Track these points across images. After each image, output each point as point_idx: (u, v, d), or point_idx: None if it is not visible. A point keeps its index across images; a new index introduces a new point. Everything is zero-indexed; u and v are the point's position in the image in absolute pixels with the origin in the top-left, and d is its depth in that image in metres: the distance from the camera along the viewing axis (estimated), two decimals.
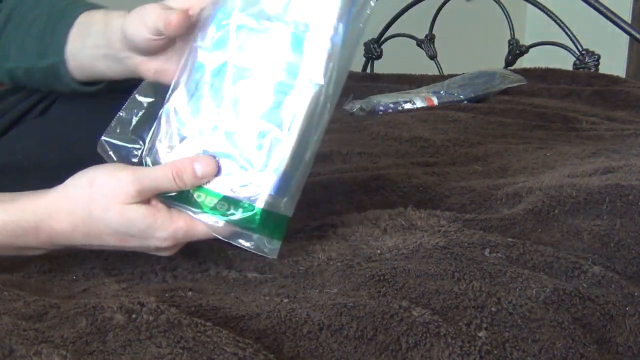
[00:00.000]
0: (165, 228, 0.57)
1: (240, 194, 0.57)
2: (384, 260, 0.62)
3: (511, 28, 1.92)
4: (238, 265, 0.65)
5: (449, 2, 1.97)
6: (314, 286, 0.58)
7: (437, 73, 1.93)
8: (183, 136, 0.59)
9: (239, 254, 0.67)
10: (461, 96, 1.47)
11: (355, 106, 1.40)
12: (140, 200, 0.57)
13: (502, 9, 1.91)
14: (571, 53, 1.76)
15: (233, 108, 0.58)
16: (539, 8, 1.77)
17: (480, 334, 0.49)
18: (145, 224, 0.56)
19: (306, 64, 0.57)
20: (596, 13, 1.62)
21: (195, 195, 0.58)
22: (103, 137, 0.64)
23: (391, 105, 1.40)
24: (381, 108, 1.39)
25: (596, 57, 1.73)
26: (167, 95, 0.62)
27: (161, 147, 0.60)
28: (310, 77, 0.57)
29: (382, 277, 0.58)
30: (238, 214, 0.57)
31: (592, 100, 1.51)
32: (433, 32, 1.99)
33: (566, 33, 1.73)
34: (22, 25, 0.78)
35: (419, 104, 1.43)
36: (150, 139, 0.62)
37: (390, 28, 2.03)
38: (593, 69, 1.72)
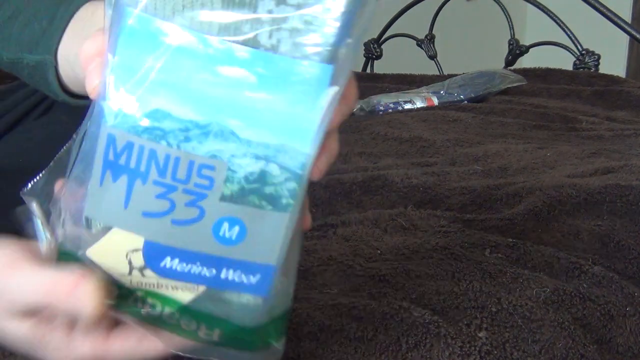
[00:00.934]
0: (60, 356, 0.39)
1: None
2: (384, 260, 0.62)
3: (511, 28, 1.92)
4: None
5: (449, 2, 1.97)
6: (315, 286, 0.58)
7: (437, 73, 1.93)
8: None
9: None
10: (461, 96, 1.47)
11: (355, 106, 1.40)
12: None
13: (502, 9, 1.91)
14: (571, 53, 1.77)
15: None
16: (539, 8, 1.77)
17: (481, 334, 0.49)
18: (28, 344, 0.40)
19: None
20: (596, 13, 1.62)
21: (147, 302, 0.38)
22: (23, 194, 0.45)
23: (391, 105, 1.40)
24: (381, 108, 1.39)
25: (596, 57, 1.73)
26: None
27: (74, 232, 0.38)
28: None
29: (382, 278, 0.58)
30: (215, 334, 0.39)
31: (592, 100, 1.51)
32: (433, 32, 1.99)
33: (566, 33, 1.73)
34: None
35: (419, 104, 1.43)
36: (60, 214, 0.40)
37: (390, 28, 2.03)
38: (593, 69, 1.73)
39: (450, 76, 1.65)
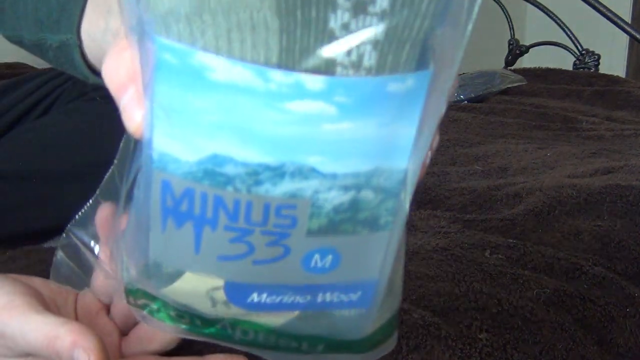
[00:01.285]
0: None
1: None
2: None
3: (511, 28, 1.92)
4: None
5: None
6: None
7: None
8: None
9: None
10: (461, 96, 1.47)
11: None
12: None
13: (502, 9, 1.90)
14: (571, 53, 1.76)
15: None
16: (539, 8, 1.77)
17: (481, 336, 0.49)
18: None
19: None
20: (596, 13, 1.62)
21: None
22: (72, 227, 0.42)
23: None
24: None
25: (596, 57, 1.73)
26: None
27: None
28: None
29: None
30: (320, 347, 0.36)
31: (592, 100, 1.51)
32: None
33: (566, 33, 1.73)
34: None
35: None
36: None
37: None
38: (593, 69, 1.73)
39: None
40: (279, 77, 0.26)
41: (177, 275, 0.33)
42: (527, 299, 0.54)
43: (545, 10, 1.76)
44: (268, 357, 0.37)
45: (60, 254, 0.42)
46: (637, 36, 1.59)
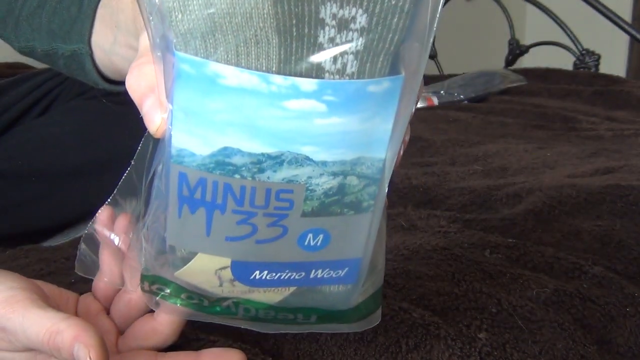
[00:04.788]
0: None
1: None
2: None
3: (511, 28, 1.92)
4: None
5: (449, 2, 1.97)
6: None
7: (437, 73, 1.93)
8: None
9: None
10: (461, 96, 1.47)
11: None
12: None
13: (502, 9, 1.91)
14: (571, 53, 1.76)
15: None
16: (539, 8, 1.77)
17: (481, 335, 0.49)
18: None
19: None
20: (596, 13, 1.62)
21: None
22: (94, 224, 0.46)
23: None
24: None
25: (596, 57, 1.73)
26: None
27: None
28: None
29: None
30: (313, 318, 0.42)
31: (592, 100, 1.51)
32: None
33: (566, 33, 1.73)
34: None
35: (419, 103, 1.42)
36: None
37: None
38: (593, 69, 1.73)
39: (450, 76, 1.65)
40: (279, 81, 0.32)
41: (189, 258, 0.38)
42: (527, 299, 0.54)
43: (545, 10, 1.76)
44: (268, 329, 0.43)
45: (83, 247, 0.46)
46: (637, 36, 1.59)
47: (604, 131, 1.19)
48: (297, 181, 0.34)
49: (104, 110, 0.90)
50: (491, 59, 2.15)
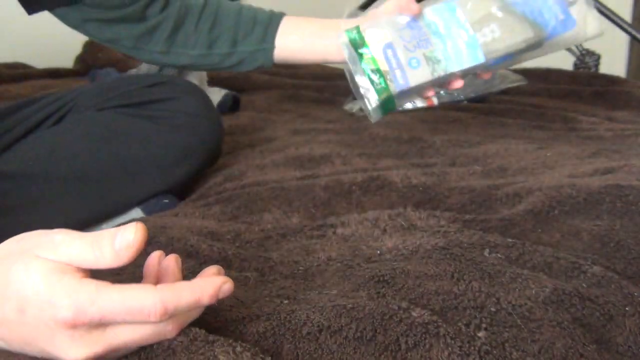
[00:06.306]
0: (68, 294, 0.43)
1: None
2: (384, 260, 0.62)
3: None
4: (238, 266, 0.65)
5: None
6: (314, 287, 0.58)
7: None
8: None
9: (239, 254, 0.67)
10: (461, 96, 1.47)
11: (355, 107, 1.40)
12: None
13: None
14: (571, 53, 1.76)
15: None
16: None
17: (480, 334, 0.49)
18: (45, 284, 0.44)
19: None
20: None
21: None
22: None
23: None
24: None
25: (596, 57, 1.73)
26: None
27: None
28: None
29: (381, 278, 0.58)
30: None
31: (592, 100, 1.51)
32: None
33: None
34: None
35: (419, 104, 1.42)
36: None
37: None
38: (593, 69, 1.73)
39: None
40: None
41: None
42: (526, 298, 0.54)
43: None
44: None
45: None
46: (637, 36, 1.59)
47: (604, 131, 1.19)
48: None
49: (113, 121, 0.96)
50: None
